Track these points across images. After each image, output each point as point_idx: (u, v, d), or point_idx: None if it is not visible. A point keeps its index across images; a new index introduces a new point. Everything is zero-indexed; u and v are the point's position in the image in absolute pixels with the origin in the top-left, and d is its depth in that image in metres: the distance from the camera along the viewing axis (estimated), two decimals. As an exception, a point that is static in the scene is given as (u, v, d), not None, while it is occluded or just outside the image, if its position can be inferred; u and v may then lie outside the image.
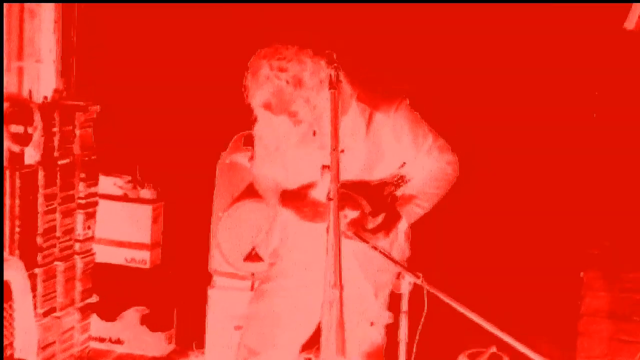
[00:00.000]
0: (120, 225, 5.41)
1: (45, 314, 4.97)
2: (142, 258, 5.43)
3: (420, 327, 3.18)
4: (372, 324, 3.61)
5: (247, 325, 3.75)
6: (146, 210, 5.41)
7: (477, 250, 4.90)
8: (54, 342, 5.07)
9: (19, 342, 3.99)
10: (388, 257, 3.24)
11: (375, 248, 3.25)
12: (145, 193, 5.42)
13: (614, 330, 4.55)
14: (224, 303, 4.92)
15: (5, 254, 4.37)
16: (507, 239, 4.87)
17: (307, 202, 3.44)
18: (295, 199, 3.50)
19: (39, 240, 4.93)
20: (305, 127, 3.37)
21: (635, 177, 4.46)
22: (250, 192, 4.71)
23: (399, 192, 3.53)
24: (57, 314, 5.11)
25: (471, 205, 4.64)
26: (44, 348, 4.89)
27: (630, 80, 4.58)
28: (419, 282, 3.00)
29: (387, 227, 3.44)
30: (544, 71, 4.78)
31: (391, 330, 3.43)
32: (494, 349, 4.44)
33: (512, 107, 4.84)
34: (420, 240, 3.73)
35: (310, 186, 3.42)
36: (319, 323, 3.29)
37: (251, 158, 3.85)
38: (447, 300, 2.93)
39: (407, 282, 3.03)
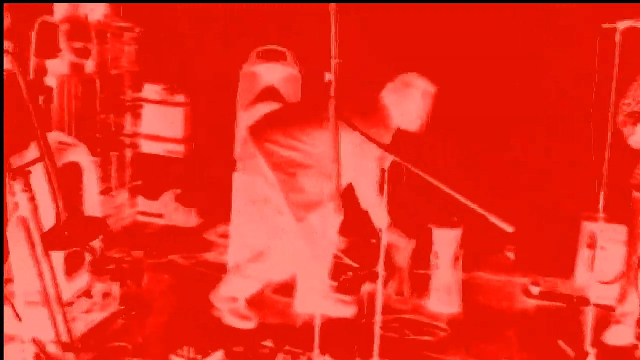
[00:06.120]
0: (160, 124, 5.63)
1: (102, 193, 5.22)
2: (177, 149, 5.67)
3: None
4: None
5: None
6: (179, 111, 5.64)
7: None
8: (109, 215, 5.31)
9: (87, 210, 4.24)
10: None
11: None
12: (179, 98, 5.65)
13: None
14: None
15: (73, 139, 4.59)
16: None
17: None
18: None
19: (97, 135, 5.15)
20: None
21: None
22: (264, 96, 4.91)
23: None
24: (112, 193, 5.35)
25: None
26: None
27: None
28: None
29: None
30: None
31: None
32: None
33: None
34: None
35: None
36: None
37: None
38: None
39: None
